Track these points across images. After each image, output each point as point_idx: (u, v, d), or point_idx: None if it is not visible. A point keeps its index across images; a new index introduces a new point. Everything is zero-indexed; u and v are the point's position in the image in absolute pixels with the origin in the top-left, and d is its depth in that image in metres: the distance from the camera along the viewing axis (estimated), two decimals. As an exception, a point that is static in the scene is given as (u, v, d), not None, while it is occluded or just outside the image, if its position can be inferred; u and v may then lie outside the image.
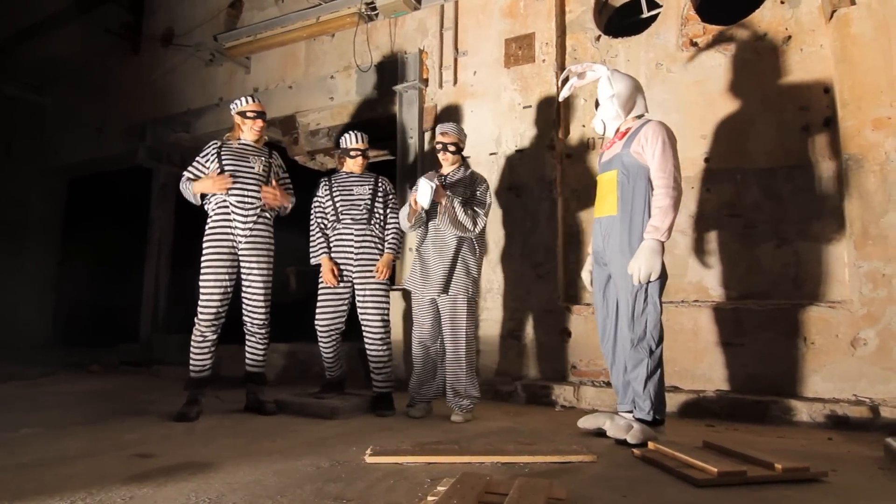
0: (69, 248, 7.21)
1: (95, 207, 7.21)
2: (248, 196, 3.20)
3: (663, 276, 2.54)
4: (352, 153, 3.46)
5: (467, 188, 3.20)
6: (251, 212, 3.20)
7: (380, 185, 3.49)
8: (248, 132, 3.29)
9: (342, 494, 1.77)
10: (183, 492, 1.79)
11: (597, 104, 2.80)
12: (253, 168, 3.23)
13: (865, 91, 3.13)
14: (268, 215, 3.30)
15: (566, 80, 2.87)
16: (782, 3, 3.49)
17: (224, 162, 3.19)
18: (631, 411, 2.58)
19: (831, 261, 3.21)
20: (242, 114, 3.27)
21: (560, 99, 2.96)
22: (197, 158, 3.28)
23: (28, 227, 7.02)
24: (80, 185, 7.30)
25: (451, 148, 3.23)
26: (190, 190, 3.21)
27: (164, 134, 5.92)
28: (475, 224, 3.10)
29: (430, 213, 3.17)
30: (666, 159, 2.51)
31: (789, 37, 3.44)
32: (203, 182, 3.17)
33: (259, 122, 3.29)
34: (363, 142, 3.49)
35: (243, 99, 3.30)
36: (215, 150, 3.24)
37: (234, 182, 3.17)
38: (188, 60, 5.84)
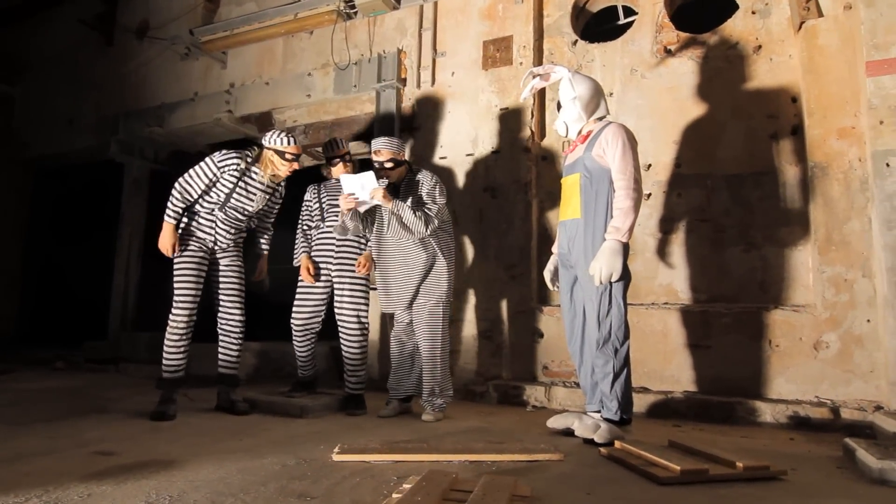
0: (35, 242, 7.03)
1: (64, 201, 7.05)
2: (235, 223, 3.21)
3: (627, 277, 2.57)
4: (333, 162, 3.52)
5: (418, 192, 3.14)
6: (234, 230, 3.22)
7: None
8: (283, 172, 3.18)
9: (307, 492, 1.75)
10: (143, 489, 1.75)
11: (559, 106, 2.82)
12: (253, 204, 3.22)
13: (831, 101, 3.22)
14: (244, 233, 3.33)
15: (533, 80, 2.89)
16: (753, 13, 3.57)
17: (238, 189, 3.13)
18: (599, 411, 2.61)
19: (796, 266, 3.29)
20: (281, 154, 3.11)
21: (521, 99, 2.99)
22: (214, 162, 3.07)
23: (-8, 220, 6.82)
24: (49, 178, 7.12)
25: (389, 165, 3.11)
26: (171, 208, 3.04)
27: (137, 127, 5.81)
28: (427, 225, 3.01)
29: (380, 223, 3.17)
30: (626, 161, 2.55)
31: (759, 46, 3.51)
32: (168, 228, 3.04)
33: (296, 165, 3.20)
34: (342, 147, 3.52)
35: (284, 138, 3.12)
36: (238, 174, 3.10)
37: (231, 210, 3.16)
38: (163, 54, 5.73)
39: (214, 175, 3.10)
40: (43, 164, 6.92)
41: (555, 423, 2.70)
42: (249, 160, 3.14)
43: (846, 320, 3.05)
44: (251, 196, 3.19)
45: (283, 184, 3.39)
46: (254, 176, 3.17)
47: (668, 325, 3.42)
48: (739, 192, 3.46)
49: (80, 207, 6.97)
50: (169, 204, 3.07)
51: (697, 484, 1.87)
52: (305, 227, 3.54)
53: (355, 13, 4.73)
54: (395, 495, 1.63)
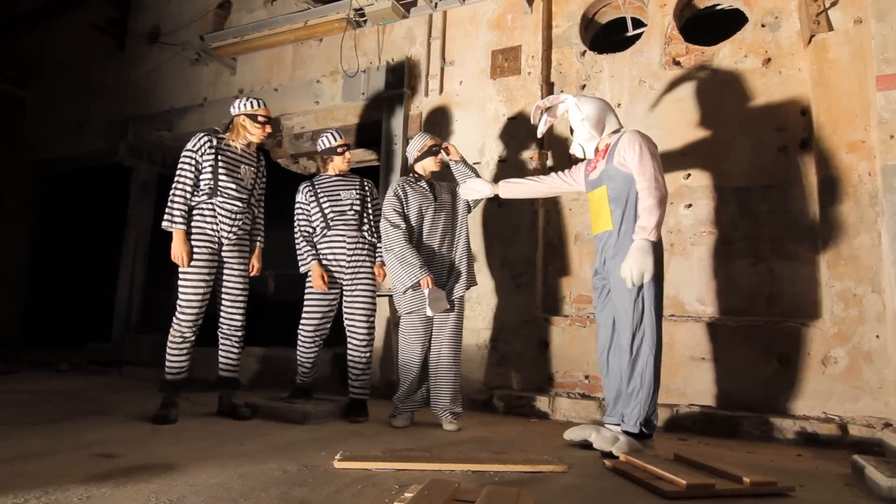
0: (42, 244, 7.06)
1: (72, 204, 7.08)
2: (234, 204, 3.15)
3: (660, 284, 2.57)
4: (339, 150, 3.45)
5: (451, 193, 3.30)
6: (237, 216, 3.17)
7: (366, 187, 3.52)
8: (256, 136, 3.23)
9: (307, 499, 1.73)
10: (143, 493, 1.74)
11: (571, 131, 2.85)
12: (243, 181, 3.20)
13: (841, 115, 3.20)
14: (248, 218, 3.26)
15: (544, 116, 2.94)
16: (763, 26, 3.56)
17: (220, 167, 3.11)
18: (618, 424, 2.60)
19: (804, 280, 3.26)
20: (253, 117, 3.19)
21: (539, 135, 3.00)
22: (190, 152, 3.09)
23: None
24: (57, 181, 7.17)
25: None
26: (175, 215, 3.02)
27: (146, 132, 5.85)
28: None
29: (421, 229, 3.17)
30: (644, 163, 2.56)
31: (769, 59, 3.51)
32: (179, 236, 3.00)
33: (269, 128, 3.25)
34: (344, 137, 3.51)
35: (254, 102, 3.21)
36: (213, 150, 3.12)
37: (223, 189, 3.12)
38: (173, 59, 5.79)
39: (195, 161, 3.10)
40: (51, 167, 6.96)
41: (572, 434, 2.68)
42: (219, 135, 3.19)
43: (855, 336, 3.01)
44: (236, 169, 3.17)
45: (263, 161, 3.38)
46: (229, 148, 3.18)
47: (675, 337, 3.38)
48: (747, 205, 3.44)
49: (88, 210, 7.00)
50: (170, 212, 3.03)
51: (703, 499, 1.84)
52: (306, 233, 3.43)
53: (365, 21, 4.76)
54: (396, 503, 1.61)
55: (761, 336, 3.21)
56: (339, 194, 3.43)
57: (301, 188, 3.49)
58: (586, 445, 2.59)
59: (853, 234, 3.09)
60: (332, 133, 3.48)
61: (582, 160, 2.98)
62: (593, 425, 2.71)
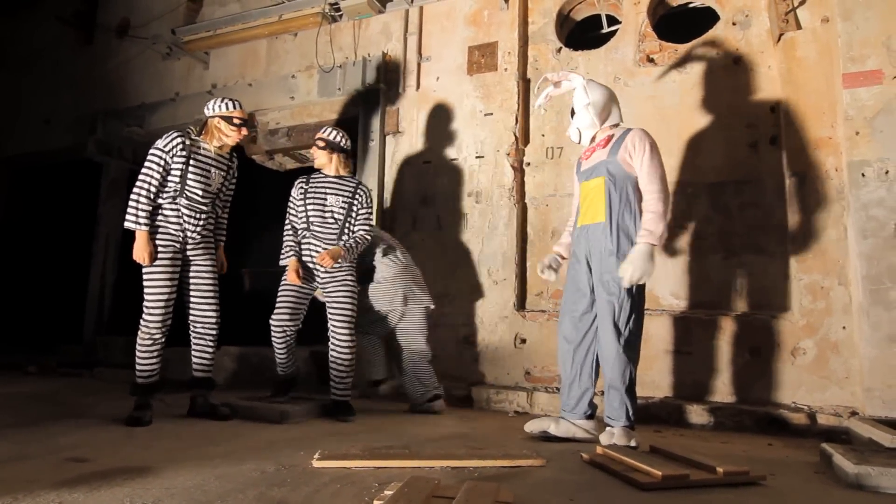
0: (8, 242, 6.86)
1: (40, 201, 6.89)
2: (198, 207, 3.07)
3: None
4: (343, 145, 3.40)
5: (347, 195, 3.36)
6: (202, 217, 3.09)
7: (357, 195, 3.38)
8: (232, 139, 3.12)
9: (286, 499, 1.72)
10: (117, 496, 1.71)
11: (572, 113, 2.83)
12: (210, 186, 3.11)
13: (809, 111, 3.28)
14: (212, 219, 3.18)
15: (548, 88, 2.92)
16: (734, 24, 3.63)
17: (190, 170, 3.02)
18: (591, 417, 2.68)
19: (774, 273, 3.33)
20: (228, 119, 3.06)
21: (536, 106, 2.99)
22: (161, 152, 2.98)
23: (-36, 221, 6.65)
24: (24, 178, 6.96)
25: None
26: (140, 215, 2.92)
27: (115, 127, 5.71)
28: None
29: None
30: (654, 166, 2.58)
31: (740, 57, 3.57)
32: (142, 236, 2.92)
33: (245, 130, 3.14)
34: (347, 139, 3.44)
35: (229, 103, 3.08)
36: (185, 152, 3.02)
37: (191, 192, 3.03)
38: (144, 53, 5.66)
39: (165, 162, 2.99)
40: (18, 164, 6.76)
41: (532, 426, 2.71)
42: (193, 135, 3.08)
43: (822, 327, 3.10)
44: (206, 173, 3.08)
45: (235, 162, 3.28)
46: (202, 151, 3.09)
47: (649, 331, 3.42)
48: (719, 200, 3.51)
49: (56, 208, 6.82)
50: (135, 211, 2.92)
51: (679, 489, 1.88)
52: (292, 227, 3.36)
53: (340, 16, 4.72)
54: (376, 502, 1.61)
55: (733, 328, 3.28)
56: (325, 198, 3.32)
57: (296, 183, 3.44)
58: (546, 437, 2.63)
59: (821, 228, 3.17)
60: (340, 133, 3.42)
61: (577, 144, 2.91)
62: (551, 417, 2.75)
